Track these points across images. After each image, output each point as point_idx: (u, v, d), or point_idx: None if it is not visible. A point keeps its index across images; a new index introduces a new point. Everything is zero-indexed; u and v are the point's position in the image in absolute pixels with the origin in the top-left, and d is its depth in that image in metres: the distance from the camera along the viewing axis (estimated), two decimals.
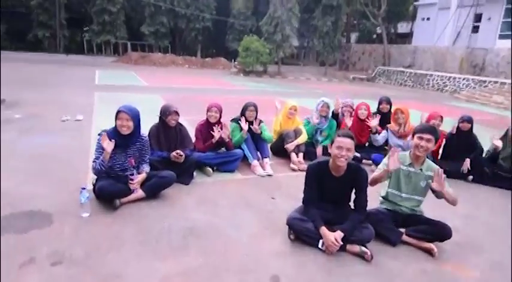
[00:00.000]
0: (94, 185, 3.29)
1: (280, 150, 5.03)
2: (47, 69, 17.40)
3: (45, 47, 30.91)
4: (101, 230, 2.83)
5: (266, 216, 3.33)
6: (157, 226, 2.96)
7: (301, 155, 4.93)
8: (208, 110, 4.35)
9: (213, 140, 4.29)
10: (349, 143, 2.70)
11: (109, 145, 3.09)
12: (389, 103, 5.53)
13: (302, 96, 14.37)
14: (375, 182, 2.97)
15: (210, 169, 4.27)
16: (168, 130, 4.00)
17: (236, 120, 4.71)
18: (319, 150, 5.19)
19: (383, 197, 3.17)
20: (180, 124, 4.13)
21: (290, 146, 4.88)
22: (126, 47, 32.24)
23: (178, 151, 3.85)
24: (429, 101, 15.15)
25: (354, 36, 39.46)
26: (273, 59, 24.75)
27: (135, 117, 3.25)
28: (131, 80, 15.64)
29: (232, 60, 26.28)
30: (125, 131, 3.20)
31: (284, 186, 4.12)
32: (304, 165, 4.69)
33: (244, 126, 4.49)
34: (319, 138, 5.34)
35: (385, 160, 2.97)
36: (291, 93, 15.47)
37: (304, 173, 2.94)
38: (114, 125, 3.25)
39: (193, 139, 4.38)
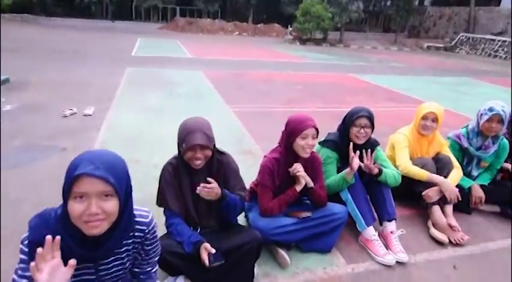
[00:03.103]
0: None
1: (403, 194, 2.75)
2: (85, 37, 16.02)
3: (93, 12, 29.91)
4: None
5: None
6: None
7: (450, 209, 2.61)
8: (295, 130, 2.04)
9: (297, 188, 2.11)
10: None
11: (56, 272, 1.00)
12: None
13: (377, 71, 11.57)
14: None
15: (286, 256, 2.09)
16: (194, 173, 1.86)
17: (330, 144, 2.47)
18: (476, 194, 2.76)
19: None
20: (220, 152, 1.94)
21: (433, 194, 2.57)
22: (175, 13, 30.41)
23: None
24: None
25: None
26: (335, 25, 21.52)
27: (121, 186, 1.09)
28: (174, 51, 13.71)
29: (288, 27, 23.31)
30: (96, 231, 1.07)
31: None
32: (459, 233, 2.42)
33: (354, 161, 2.22)
34: (474, 172, 2.93)
35: None
36: (362, 67, 12.66)
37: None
38: (62, 206, 1.10)
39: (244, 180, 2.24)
